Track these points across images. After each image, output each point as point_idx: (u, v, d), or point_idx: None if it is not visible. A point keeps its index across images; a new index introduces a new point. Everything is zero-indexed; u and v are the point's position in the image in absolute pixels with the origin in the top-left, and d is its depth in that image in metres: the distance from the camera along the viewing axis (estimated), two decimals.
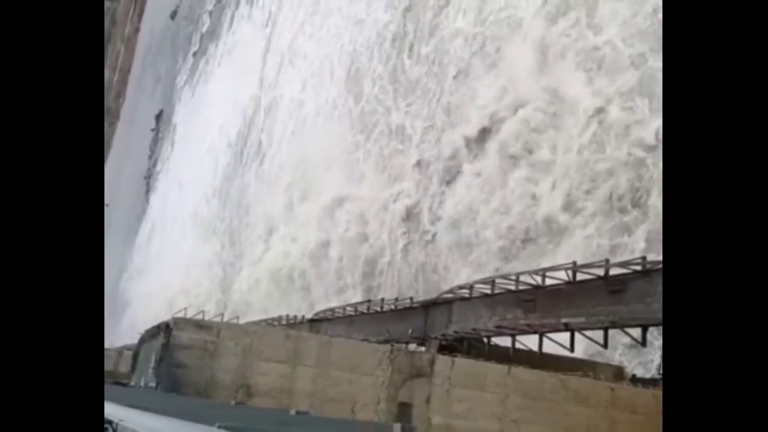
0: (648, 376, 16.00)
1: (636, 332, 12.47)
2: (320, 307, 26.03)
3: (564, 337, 13.42)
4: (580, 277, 12.92)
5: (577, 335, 13.22)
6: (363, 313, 19.74)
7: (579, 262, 13.40)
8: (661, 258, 14.95)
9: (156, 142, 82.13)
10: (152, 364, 12.33)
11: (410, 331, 16.91)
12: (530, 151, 23.66)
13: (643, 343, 12.52)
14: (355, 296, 28.17)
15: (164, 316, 14.09)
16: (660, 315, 11.15)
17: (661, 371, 14.65)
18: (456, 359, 12.72)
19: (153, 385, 11.93)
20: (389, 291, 26.86)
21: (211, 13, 71.12)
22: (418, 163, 29.46)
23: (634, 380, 15.22)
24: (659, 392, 13.40)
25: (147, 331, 15.18)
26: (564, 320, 12.91)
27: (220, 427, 3.77)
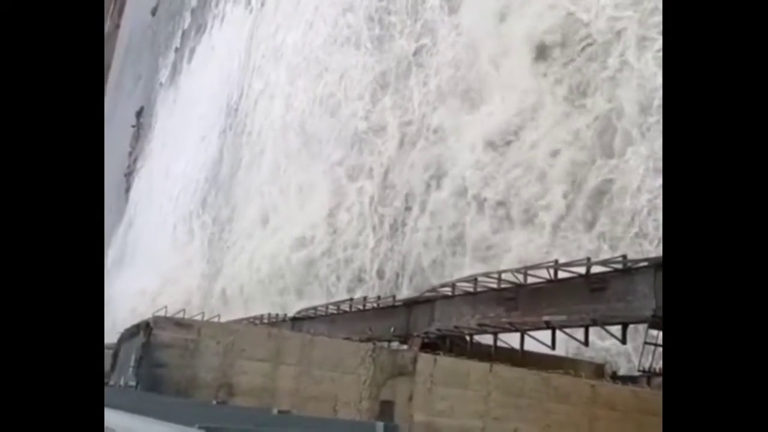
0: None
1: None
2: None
3: (545, 334, 13.50)
4: (561, 275, 13.01)
5: (558, 333, 13.31)
6: (345, 312, 19.68)
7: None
8: (640, 257, 15.09)
9: (136, 139, 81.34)
10: (132, 363, 12.16)
11: (392, 329, 16.91)
12: None
13: (623, 340, 12.63)
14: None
15: (144, 315, 13.94)
16: (640, 313, 11.27)
17: (640, 369, 14.78)
18: (438, 357, 12.74)
19: (133, 384, 11.78)
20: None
21: (192, 9, 70.45)
22: None
23: (615, 377, 15.36)
24: (638, 389, 13.55)
25: (127, 330, 14.98)
26: (545, 318, 12.99)
27: (200, 427, 3.71)
